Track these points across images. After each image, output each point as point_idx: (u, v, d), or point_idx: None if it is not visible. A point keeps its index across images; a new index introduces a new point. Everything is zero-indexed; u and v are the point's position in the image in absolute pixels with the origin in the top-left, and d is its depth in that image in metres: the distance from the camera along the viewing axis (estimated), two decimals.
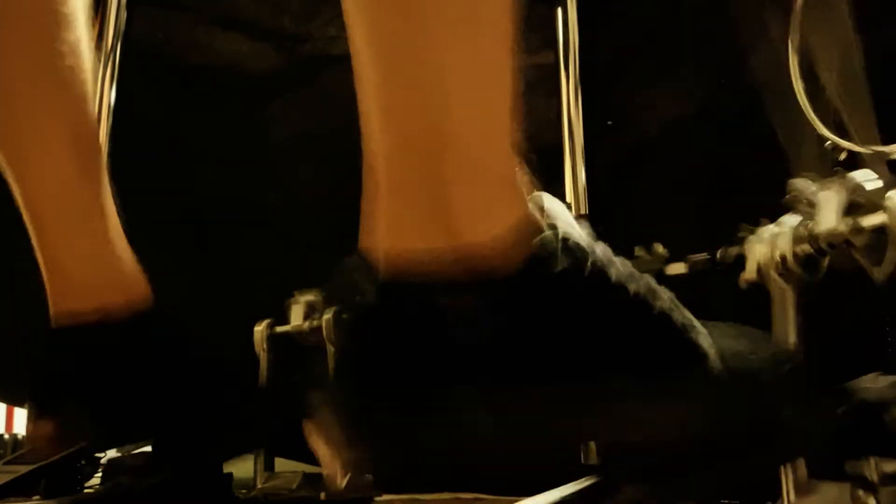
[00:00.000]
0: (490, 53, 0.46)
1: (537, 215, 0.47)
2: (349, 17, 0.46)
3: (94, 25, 1.13)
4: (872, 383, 0.55)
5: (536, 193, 0.48)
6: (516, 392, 0.44)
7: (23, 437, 1.52)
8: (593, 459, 0.82)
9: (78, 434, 0.71)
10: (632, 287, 0.47)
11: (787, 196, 0.71)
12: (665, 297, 0.48)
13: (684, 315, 0.48)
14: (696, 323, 0.48)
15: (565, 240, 0.46)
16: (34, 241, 0.74)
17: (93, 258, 0.74)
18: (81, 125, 0.75)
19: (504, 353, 0.44)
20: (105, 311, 0.73)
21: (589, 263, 0.46)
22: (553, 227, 0.46)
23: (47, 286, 0.74)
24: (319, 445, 0.45)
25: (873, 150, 0.78)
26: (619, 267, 0.47)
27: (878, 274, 0.64)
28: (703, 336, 0.48)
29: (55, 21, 0.72)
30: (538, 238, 0.45)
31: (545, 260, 0.45)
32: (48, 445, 0.70)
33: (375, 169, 0.46)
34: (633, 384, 0.45)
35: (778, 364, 0.50)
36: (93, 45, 0.76)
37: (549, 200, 0.48)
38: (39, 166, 0.73)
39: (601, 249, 0.47)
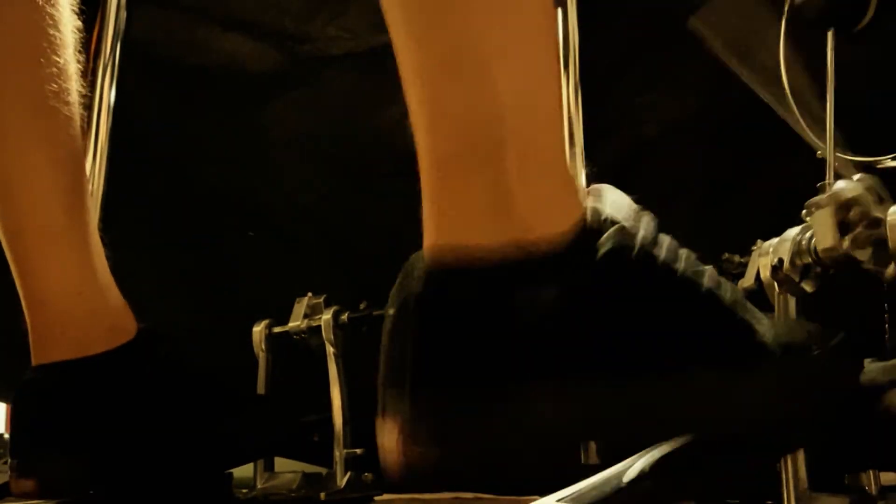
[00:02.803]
0: (536, 44, 0.47)
1: (592, 203, 0.47)
2: (390, 17, 0.46)
3: (93, 26, 1.13)
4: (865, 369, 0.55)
5: (595, 186, 0.49)
6: (575, 380, 0.45)
7: None
8: (594, 459, 0.82)
9: (64, 488, 0.69)
10: (679, 268, 0.48)
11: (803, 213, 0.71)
12: (711, 277, 0.49)
13: (734, 292, 0.49)
14: (749, 305, 0.49)
15: (614, 225, 0.47)
16: (14, 272, 0.72)
17: (76, 289, 0.72)
18: (66, 153, 0.73)
19: (568, 338, 0.45)
20: (88, 345, 0.71)
21: (637, 247, 0.47)
22: (604, 217, 0.47)
23: (28, 319, 0.72)
24: (388, 440, 0.45)
25: (867, 161, 0.78)
26: (668, 250, 0.48)
27: (889, 273, 0.64)
28: (757, 314, 0.49)
29: (44, 44, 0.70)
30: (589, 224, 0.46)
31: (594, 245, 0.46)
32: (35, 497, 0.69)
33: (430, 168, 0.47)
34: (689, 367, 0.46)
35: (830, 344, 0.51)
36: (80, 70, 0.74)
37: (608, 191, 0.49)
38: (21, 194, 0.71)
39: (650, 234, 0.48)
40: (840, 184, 0.68)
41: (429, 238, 0.47)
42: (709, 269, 0.49)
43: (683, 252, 0.49)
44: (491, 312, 0.45)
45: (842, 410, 0.52)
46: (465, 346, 0.45)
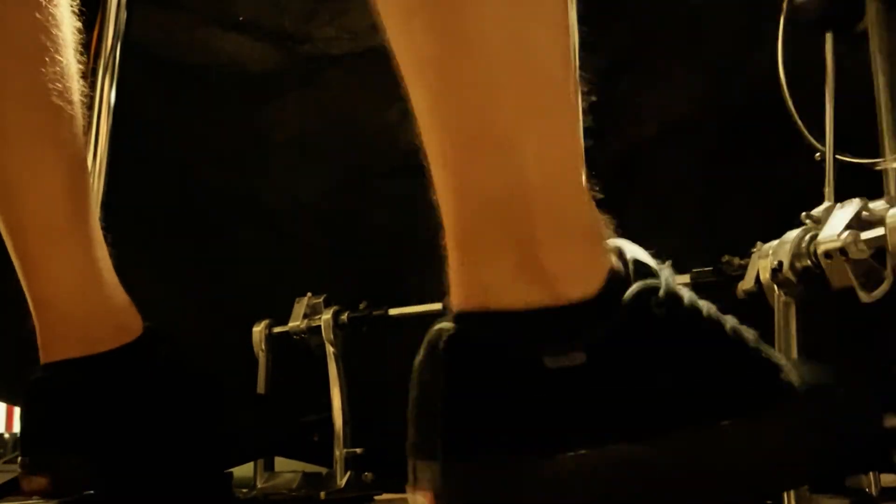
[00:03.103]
0: (559, 111, 0.46)
1: (617, 258, 0.47)
2: (415, 100, 0.46)
3: (93, 27, 1.13)
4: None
5: (614, 241, 0.48)
6: (613, 444, 0.44)
7: None
8: None
9: (76, 484, 0.70)
10: (704, 310, 0.47)
11: (802, 214, 0.71)
12: (730, 318, 0.48)
13: (753, 331, 0.49)
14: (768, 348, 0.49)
15: (643, 276, 0.46)
16: (19, 272, 0.72)
17: (81, 288, 0.72)
18: (69, 152, 0.73)
19: (602, 398, 0.44)
20: (94, 343, 0.72)
21: (663, 288, 0.46)
22: (630, 266, 0.47)
23: (35, 318, 0.73)
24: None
25: (867, 163, 0.78)
26: (689, 294, 0.48)
27: (866, 296, 0.64)
28: (778, 354, 0.49)
29: (48, 44, 0.70)
30: (616, 281, 0.46)
31: (621, 299, 0.45)
32: (46, 495, 0.69)
33: (457, 237, 0.46)
34: (723, 413, 0.45)
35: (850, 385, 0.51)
36: (81, 71, 0.74)
37: (627, 245, 0.49)
38: (25, 193, 0.71)
39: (671, 280, 0.48)
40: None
41: (456, 304, 0.46)
42: (729, 317, 0.48)
43: (703, 301, 0.48)
44: (522, 377, 0.44)
45: (862, 455, 0.52)
46: (497, 414, 0.44)
